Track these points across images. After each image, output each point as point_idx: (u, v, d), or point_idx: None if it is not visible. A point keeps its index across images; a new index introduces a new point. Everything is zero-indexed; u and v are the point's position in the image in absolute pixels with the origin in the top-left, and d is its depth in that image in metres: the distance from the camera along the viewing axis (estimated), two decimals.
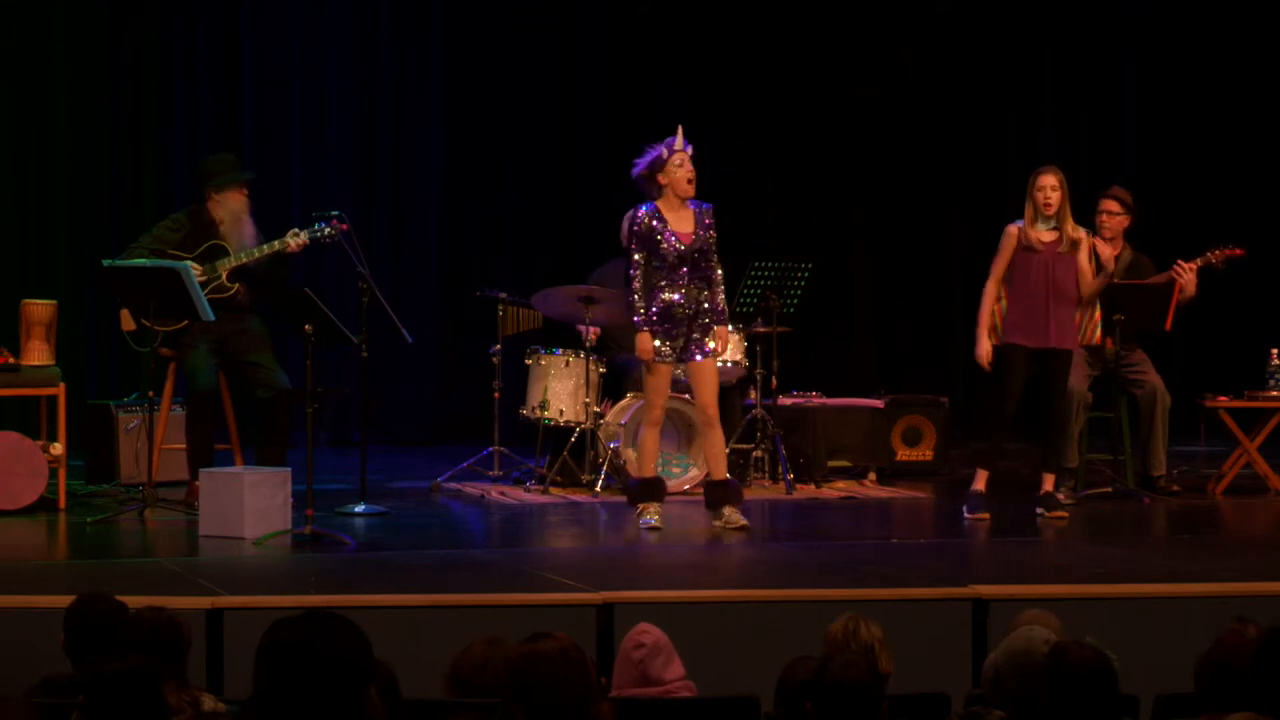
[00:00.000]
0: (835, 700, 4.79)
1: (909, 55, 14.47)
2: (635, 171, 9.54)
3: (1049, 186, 9.91)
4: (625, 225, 9.70)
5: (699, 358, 9.49)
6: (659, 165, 9.44)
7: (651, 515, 9.55)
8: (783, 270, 11.40)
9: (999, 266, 9.98)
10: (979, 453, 10.39)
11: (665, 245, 9.39)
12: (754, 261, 11.31)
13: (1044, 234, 9.94)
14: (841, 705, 4.79)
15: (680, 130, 9.49)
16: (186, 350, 10.39)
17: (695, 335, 9.47)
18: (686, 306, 9.44)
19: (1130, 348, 10.89)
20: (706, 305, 9.49)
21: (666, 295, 9.43)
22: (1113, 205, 11.12)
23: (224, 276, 10.41)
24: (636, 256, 9.43)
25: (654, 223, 9.39)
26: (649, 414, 9.59)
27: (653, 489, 9.62)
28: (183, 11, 13.44)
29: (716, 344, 9.57)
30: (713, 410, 9.54)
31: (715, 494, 9.62)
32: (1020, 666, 4.94)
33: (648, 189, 9.51)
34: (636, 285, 9.44)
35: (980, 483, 10.01)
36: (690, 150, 9.47)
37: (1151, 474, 11.00)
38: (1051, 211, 9.90)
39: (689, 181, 9.42)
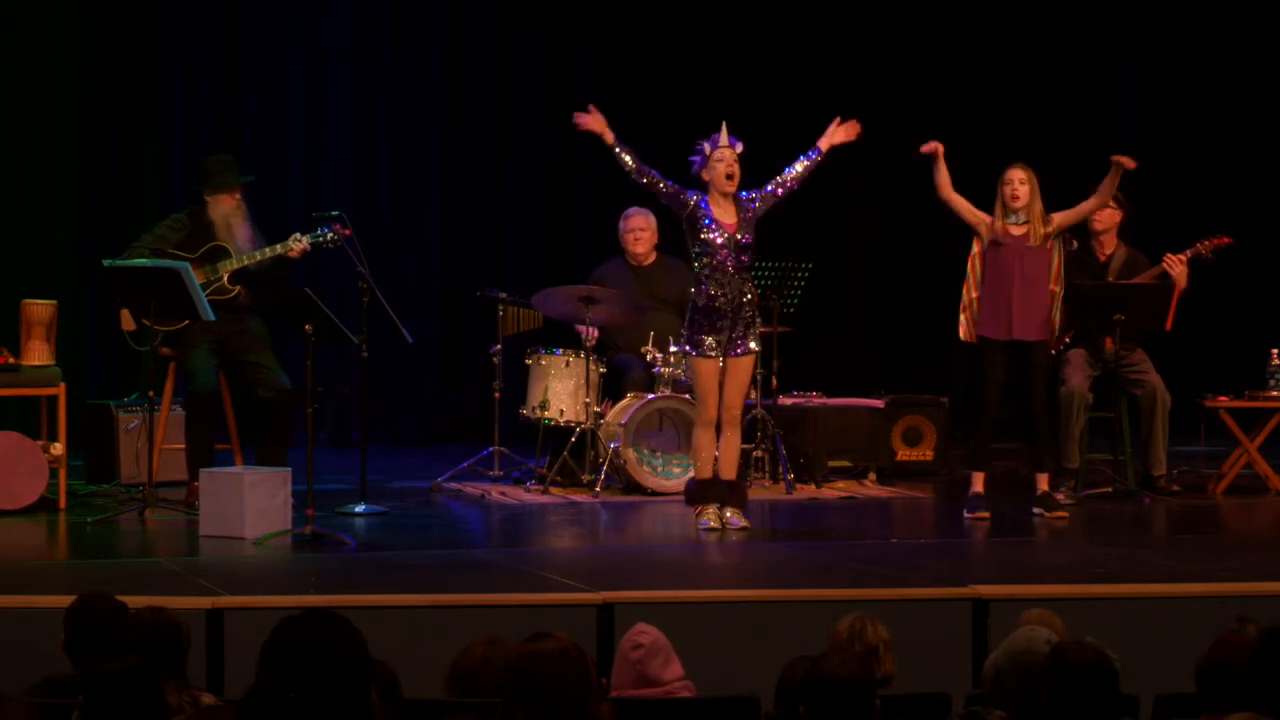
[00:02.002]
0: (826, 697, 4.79)
1: (909, 55, 14.46)
2: (693, 170, 9.58)
3: (1015, 180, 9.96)
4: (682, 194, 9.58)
5: (738, 353, 9.49)
6: (703, 162, 9.50)
7: (709, 517, 9.54)
8: (783, 270, 11.40)
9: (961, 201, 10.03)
10: (968, 455, 10.39)
11: (707, 234, 9.42)
12: (754, 261, 11.29)
13: (1013, 228, 9.96)
14: (833, 702, 4.78)
15: (724, 126, 9.54)
16: (186, 350, 10.38)
17: (738, 332, 9.48)
18: (729, 301, 9.43)
19: (1130, 348, 10.89)
20: (748, 299, 9.49)
21: (710, 290, 9.44)
22: None
23: (225, 278, 10.41)
24: (664, 185, 9.42)
25: (698, 211, 9.43)
26: (701, 414, 9.54)
27: (708, 490, 9.59)
28: (183, 11, 13.43)
29: (757, 343, 9.61)
30: (737, 410, 9.53)
31: (720, 492, 9.60)
32: (1021, 666, 4.94)
33: (702, 185, 9.57)
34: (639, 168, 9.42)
35: (978, 484, 10.02)
36: (739, 147, 9.50)
37: (1152, 474, 10.99)
38: (1018, 205, 9.92)
39: (727, 177, 9.45)
